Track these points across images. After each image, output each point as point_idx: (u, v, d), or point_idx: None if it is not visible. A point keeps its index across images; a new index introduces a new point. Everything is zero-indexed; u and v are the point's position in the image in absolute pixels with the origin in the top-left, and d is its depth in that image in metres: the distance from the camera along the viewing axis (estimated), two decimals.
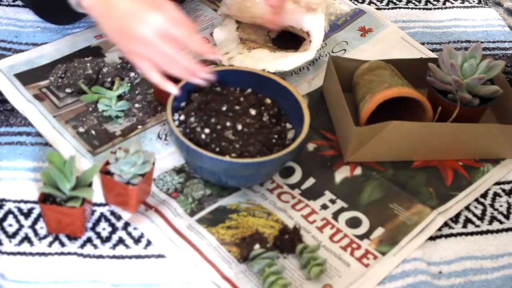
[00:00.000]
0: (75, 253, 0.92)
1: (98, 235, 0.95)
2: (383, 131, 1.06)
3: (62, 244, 0.93)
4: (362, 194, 1.06)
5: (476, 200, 1.09)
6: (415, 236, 1.00)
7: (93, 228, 0.96)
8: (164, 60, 0.96)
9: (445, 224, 1.03)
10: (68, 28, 1.28)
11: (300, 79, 1.25)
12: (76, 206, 0.90)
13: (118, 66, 1.19)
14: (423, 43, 1.38)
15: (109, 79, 1.14)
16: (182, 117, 1.01)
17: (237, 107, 1.03)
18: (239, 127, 1.00)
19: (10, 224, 0.95)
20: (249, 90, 1.07)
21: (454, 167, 1.13)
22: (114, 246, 0.94)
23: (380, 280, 0.94)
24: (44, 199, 0.92)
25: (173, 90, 0.99)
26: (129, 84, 1.15)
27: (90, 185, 0.93)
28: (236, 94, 1.05)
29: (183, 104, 1.04)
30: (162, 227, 0.96)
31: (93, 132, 1.09)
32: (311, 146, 1.13)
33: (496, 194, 1.10)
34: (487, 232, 1.04)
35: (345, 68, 1.18)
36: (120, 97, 1.14)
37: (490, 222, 1.05)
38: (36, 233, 0.94)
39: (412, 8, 1.49)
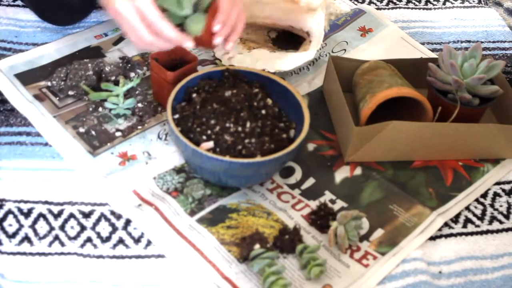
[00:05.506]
0: (75, 253, 0.92)
1: (98, 235, 0.95)
2: (383, 131, 1.06)
3: (62, 244, 0.93)
4: (362, 194, 1.06)
5: (476, 200, 1.09)
6: (415, 238, 1.00)
7: (93, 228, 0.96)
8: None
9: (445, 224, 1.03)
10: (68, 28, 1.28)
11: (300, 79, 1.25)
12: None
13: (120, 65, 1.18)
14: (423, 43, 1.38)
15: (113, 78, 1.14)
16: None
17: (237, 107, 1.02)
18: (239, 127, 0.99)
19: (10, 224, 0.95)
20: None
21: (454, 167, 1.13)
22: (114, 246, 0.94)
23: (380, 280, 0.94)
24: None
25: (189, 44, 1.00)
26: (137, 77, 1.16)
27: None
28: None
29: (183, 104, 1.04)
30: (162, 227, 0.96)
31: (93, 132, 1.08)
32: (311, 146, 1.13)
33: (496, 194, 1.10)
34: (487, 232, 1.04)
35: (345, 68, 1.18)
36: (125, 95, 1.14)
37: (490, 222, 1.05)
38: (36, 233, 0.94)
39: (412, 8, 1.50)
